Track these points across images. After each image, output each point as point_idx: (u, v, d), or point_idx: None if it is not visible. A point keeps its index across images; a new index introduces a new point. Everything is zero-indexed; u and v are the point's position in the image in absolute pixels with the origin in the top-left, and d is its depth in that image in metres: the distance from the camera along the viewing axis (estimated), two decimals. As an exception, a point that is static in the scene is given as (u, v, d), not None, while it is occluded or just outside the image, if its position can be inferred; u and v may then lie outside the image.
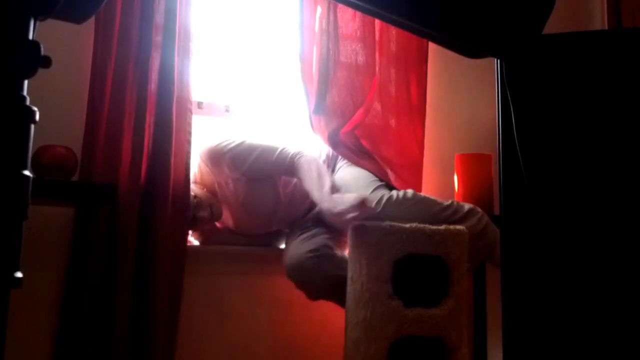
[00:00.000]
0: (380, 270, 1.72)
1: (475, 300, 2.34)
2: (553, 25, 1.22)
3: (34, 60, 0.65)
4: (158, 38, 1.98)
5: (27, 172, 0.64)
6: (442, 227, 1.78)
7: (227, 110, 2.35)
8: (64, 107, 1.97)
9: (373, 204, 1.87)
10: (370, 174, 2.14)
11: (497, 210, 1.97)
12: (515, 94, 1.34)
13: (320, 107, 2.23)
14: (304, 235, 2.03)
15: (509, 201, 1.39)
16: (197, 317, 2.08)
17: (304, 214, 2.17)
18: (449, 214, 2.02)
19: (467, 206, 2.07)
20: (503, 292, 1.40)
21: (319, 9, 2.28)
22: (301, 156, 1.98)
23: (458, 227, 1.82)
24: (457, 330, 1.76)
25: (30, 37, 0.66)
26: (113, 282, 1.83)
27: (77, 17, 0.75)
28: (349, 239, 1.86)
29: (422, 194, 2.10)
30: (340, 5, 2.29)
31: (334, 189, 1.88)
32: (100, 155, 1.91)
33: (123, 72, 1.93)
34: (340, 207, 1.79)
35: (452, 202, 2.08)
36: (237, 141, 2.00)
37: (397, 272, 1.73)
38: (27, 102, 0.65)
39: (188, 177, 2.01)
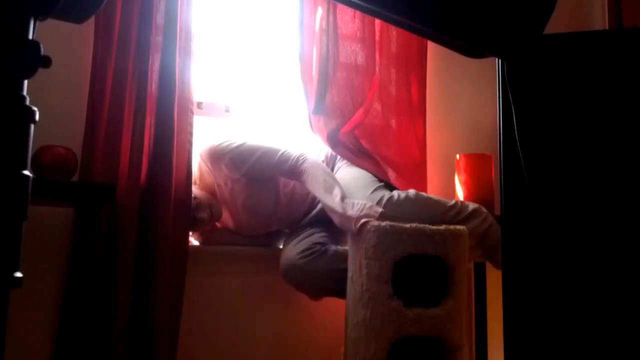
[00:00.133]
0: (380, 270, 1.72)
1: (476, 300, 2.33)
2: (554, 25, 1.22)
3: (34, 60, 0.65)
4: (158, 38, 1.98)
5: (27, 172, 0.64)
6: (442, 227, 1.78)
7: (227, 111, 2.35)
8: (64, 107, 1.96)
9: (376, 208, 1.87)
10: (370, 174, 2.14)
11: (498, 211, 1.97)
12: (516, 94, 1.34)
13: (320, 107, 2.23)
14: (298, 238, 2.04)
15: (509, 201, 1.39)
16: (198, 317, 2.08)
17: (304, 214, 2.17)
18: (453, 214, 2.02)
19: (471, 206, 2.07)
20: (504, 292, 1.40)
21: (319, 9, 2.28)
22: (305, 160, 1.98)
23: (458, 227, 1.82)
24: (457, 330, 1.76)
25: (30, 37, 0.66)
26: (113, 282, 1.83)
27: (77, 17, 0.75)
28: (349, 240, 1.86)
29: (425, 194, 2.10)
30: (340, 6, 2.29)
31: (344, 194, 1.88)
32: (100, 156, 1.90)
33: (123, 72, 1.93)
34: (351, 214, 1.79)
35: (456, 203, 2.08)
36: (238, 142, 2.00)
37: (397, 272, 1.73)
38: (27, 102, 0.65)
39: (190, 178, 2.01)
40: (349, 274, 1.81)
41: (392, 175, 2.30)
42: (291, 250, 1.98)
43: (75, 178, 1.86)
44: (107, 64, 1.93)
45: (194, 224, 2.02)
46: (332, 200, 1.85)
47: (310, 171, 1.94)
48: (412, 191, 2.06)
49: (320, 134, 2.21)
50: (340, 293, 1.95)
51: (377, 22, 2.38)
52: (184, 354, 1.99)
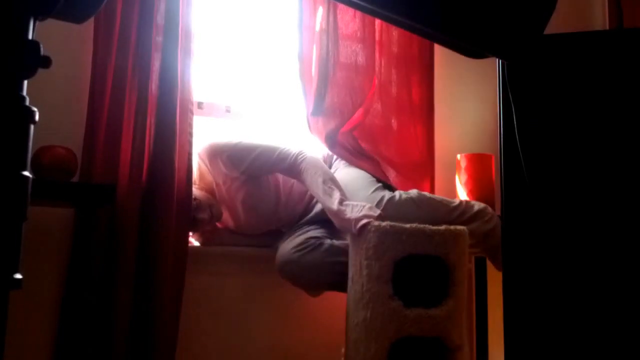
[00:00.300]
0: (380, 270, 1.72)
1: (476, 300, 2.33)
2: (554, 26, 1.21)
3: (33, 60, 0.65)
4: (158, 38, 1.98)
5: (26, 173, 0.64)
6: (442, 227, 1.78)
7: (227, 111, 2.35)
8: (64, 107, 1.96)
9: (375, 210, 1.87)
10: (369, 175, 2.14)
11: (498, 210, 1.97)
12: (516, 94, 1.34)
13: (319, 107, 2.23)
14: (294, 235, 2.04)
15: (510, 201, 1.39)
16: (198, 318, 2.07)
17: (303, 213, 2.17)
18: (456, 215, 2.01)
19: (477, 207, 2.06)
20: (504, 291, 1.40)
21: (320, 9, 2.28)
22: (303, 159, 1.97)
23: (459, 227, 1.82)
24: (457, 331, 1.76)
25: (30, 37, 0.66)
26: (113, 282, 1.83)
27: (77, 17, 0.75)
28: (349, 240, 1.86)
29: (428, 194, 2.09)
30: (340, 6, 2.28)
31: (343, 195, 1.88)
32: (100, 156, 1.90)
33: (123, 72, 1.93)
34: (351, 216, 1.79)
35: (460, 203, 2.08)
36: (236, 140, 2.00)
37: (397, 273, 1.72)
38: (27, 102, 0.65)
39: (190, 178, 2.01)
40: (350, 275, 1.81)
41: (392, 176, 2.30)
42: (286, 246, 1.98)
43: (75, 178, 1.86)
44: (107, 64, 1.93)
45: (194, 225, 2.02)
46: (332, 203, 1.84)
47: (309, 172, 1.94)
48: (414, 191, 2.05)
49: (319, 134, 2.21)
50: (339, 286, 1.95)
51: (378, 22, 2.38)
52: (184, 354, 1.99)
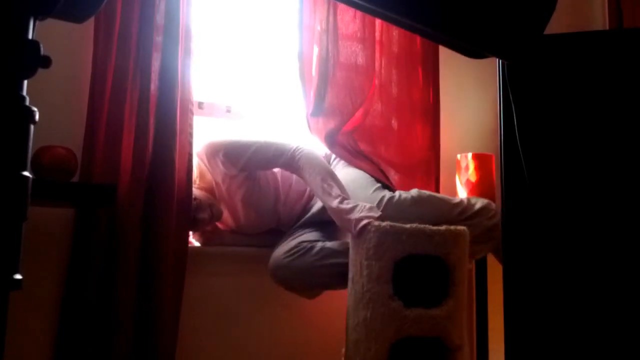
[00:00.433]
0: (380, 271, 1.72)
1: (477, 300, 2.33)
2: (554, 26, 1.21)
3: (33, 60, 0.65)
4: (158, 38, 1.98)
5: (26, 173, 0.64)
6: (443, 227, 1.78)
7: (228, 111, 2.35)
8: (64, 107, 1.96)
9: (376, 210, 1.86)
10: (368, 175, 2.14)
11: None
12: (517, 94, 1.34)
13: (319, 107, 2.23)
14: (288, 239, 2.03)
15: (510, 201, 1.38)
16: (197, 317, 2.07)
17: (302, 211, 2.16)
18: (458, 212, 2.02)
19: (480, 203, 2.06)
20: (505, 291, 1.40)
21: (320, 9, 2.28)
22: (301, 155, 1.95)
23: (459, 227, 1.82)
24: (457, 331, 1.76)
25: (30, 36, 0.66)
26: (114, 282, 1.83)
27: (78, 17, 0.75)
28: (350, 240, 1.86)
29: (428, 192, 2.08)
30: (340, 6, 2.28)
31: (343, 192, 1.87)
32: (100, 156, 1.90)
33: (123, 72, 1.93)
34: (351, 216, 1.79)
35: (462, 200, 2.08)
36: (233, 138, 2.00)
37: (397, 273, 1.72)
38: (27, 102, 0.65)
39: (190, 178, 2.01)
40: (350, 275, 1.81)
41: (394, 177, 2.30)
42: (278, 251, 1.98)
43: (75, 178, 1.86)
44: (107, 64, 1.93)
45: (194, 225, 2.02)
46: (332, 202, 1.84)
47: (308, 169, 1.93)
48: (414, 190, 2.05)
49: (319, 134, 2.21)
50: (332, 286, 1.95)
51: (378, 22, 2.38)
52: (184, 354, 1.99)
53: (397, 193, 2.03)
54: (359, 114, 2.29)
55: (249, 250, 2.19)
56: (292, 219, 2.16)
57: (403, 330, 1.69)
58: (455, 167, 2.41)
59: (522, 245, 1.38)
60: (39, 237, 1.86)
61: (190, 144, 2.01)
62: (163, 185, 1.92)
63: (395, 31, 2.41)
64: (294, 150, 1.96)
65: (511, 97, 1.33)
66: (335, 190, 1.86)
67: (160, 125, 1.95)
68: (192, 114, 2.03)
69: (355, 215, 1.78)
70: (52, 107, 1.90)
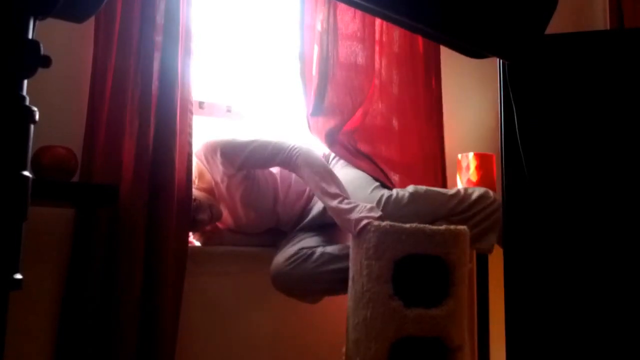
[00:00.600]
0: (380, 270, 1.72)
1: (478, 299, 2.33)
2: (555, 26, 1.21)
3: (33, 59, 0.65)
4: (158, 38, 1.97)
5: (26, 173, 0.64)
6: (443, 227, 1.78)
7: (228, 111, 2.35)
8: (64, 107, 1.96)
9: (376, 211, 1.86)
10: (367, 175, 2.14)
11: (498, 211, 1.96)
12: (517, 93, 1.33)
13: (319, 107, 2.23)
14: (289, 244, 2.03)
15: (511, 200, 1.38)
16: (197, 317, 2.07)
17: (302, 211, 2.16)
18: (455, 203, 2.02)
19: (477, 192, 2.06)
20: (506, 291, 1.40)
21: (320, 9, 2.28)
22: (299, 154, 1.93)
23: (459, 227, 1.82)
24: (457, 331, 1.76)
25: (30, 36, 0.66)
26: (115, 282, 1.83)
27: (78, 17, 0.75)
28: (350, 240, 1.86)
29: (424, 187, 2.08)
30: (341, 6, 2.28)
31: (342, 190, 1.87)
32: (100, 156, 1.90)
33: (123, 72, 1.93)
34: (351, 216, 1.79)
35: (458, 191, 2.08)
36: (231, 137, 2.00)
37: (397, 273, 1.72)
38: (27, 102, 0.65)
39: (190, 178, 2.00)
40: (350, 274, 1.81)
41: (394, 177, 2.29)
42: (279, 257, 1.98)
43: (75, 178, 1.86)
44: (107, 64, 1.93)
45: (194, 225, 2.02)
46: (331, 201, 1.84)
47: (306, 169, 1.91)
48: (410, 187, 2.06)
49: (318, 134, 2.21)
50: (333, 292, 1.95)
51: (378, 22, 2.38)
52: (184, 353, 1.99)
53: (394, 191, 2.03)
54: (359, 113, 2.29)
55: (249, 249, 2.19)
56: (291, 218, 2.16)
57: (403, 329, 1.69)
58: (457, 166, 2.41)
59: (523, 245, 1.38)
60: (39, 237, 1.86)
61: (190, 144, 2.01)
62: (164, 185, 1.92)
63: (396, 31, 2.41)
64: (291, 149, 1.95)
65: (512, 97, 1.33)
66: (334, 189, 1.86)
67: (160, 125, 1.95)
68: (192, 113, 2.03)
69: (355, 215, 1.78)
70: (52, 107, 1.90)
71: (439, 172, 2.39)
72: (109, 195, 1.82)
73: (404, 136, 2.37)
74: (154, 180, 1.92)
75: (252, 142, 1.98)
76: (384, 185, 2.12)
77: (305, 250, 1.95)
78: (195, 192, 2.02)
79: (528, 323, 1.37)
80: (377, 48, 2.38)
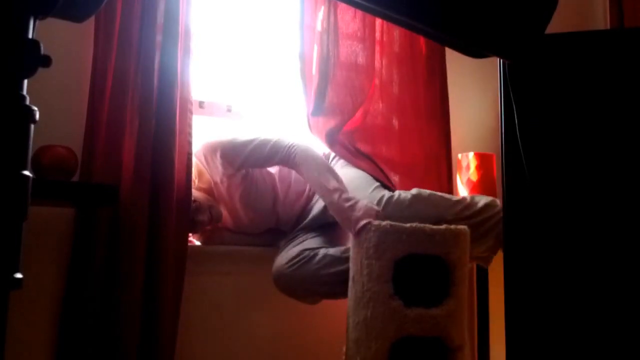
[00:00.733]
0: (380, 270, 1.72)
1: (478, 299, 2.33)
2: (555, 25, 1.21)
3: (33, 59, 0.65)
4: (158, 37, 1.97)
5: (27, 172, 0.64)
6: (443, 226, 1.78)
7: (229, 110, 2.35)
8: (64, 107, 1.96)
9: (375, 208, 1.86)
10: (367, 175, 2.14)
11: (498, 210, 1.96)
12: (518, 93, 1.33)
13: (319, 107, 2.23)
14: (290, 245, 2.03)
15: (511, 200, 1.38)
16: (197, 317, 2.07)
17: (301, 211, 2.16)
18: (460, 209, 1.99)
19: (484, 201, 2.03)
20: (506, 290, 1.40)
21: (321, 8, 2.28)
22: (296, 152, 1.93)
23: (459, 226, 1.82)
24: (458, 330, 1.76)
25: (30, 36, 0.65)
26: (116, 282, 1.83)
27: (78, 16, 0.75)
28: (350, 240, 1.86)
29: (429, 191, 2.08)
30: (341, 5, 2.28)
31: (341, 185, 1.87)
32: (100, 156, 1.90)
33: (123, 72, 1.93)
34: (351, 215, 1.78)
35: (464, 198, 2.06)
36: (230, 137, 2.00)
37: (397, 272, 1.72)
38: (27, 102, 0.65)
39: (190, 178, 2.00)
40: (350, 274, 1.81)
41: (394, 177, 2.29)
42: (281, 258, 1.98)
43: (75, 178, 1.86)
44: (107, 64, 1.93)
45: (193, 227, 2.02)
46: (330, 197, 1.84)
47: (304, 166, 1.91)
48: (414, 190, 2.05)
49: (319, 134, 2.21)
50: (333, 295, 1.95)
51: (378, 22, 2.38)
52: (184, 353, 1.99)
53: (396, 193, 2.03)
54: (359, 113, 2.29)
55: (249, 249, 2.19)
56: (291, 218, 2.16)
57: (403, 329, 1.69)
58: (457, 166, 2.40)
59: (523, 244, 1.38)
60: (40, 236, 1.86)
61: (190, 144, 2.01)
62: (164, 185, 1.92)
63: (396, 31, 2.41)
64: (290, 146, 1.95)
65: (512, 97, 1.33)
66: (333, 184, 1.85)
67: (160, 124, 1.95)
68: (192, 113, 2.03)
69: (355, 214, 1.78)
70: (52, 107, 1.90)
71: (442, 172, 2.37)
72: (109, 195, 1.82)
73: (404, 136, 2.37)
74: (154, 180, 1.92)
75: (252, 141, 1.98)
76: (384, 186, 2.11)
77: (307, 252, 1.95)
78: (195, 193, 2.02)
79: (528, 323, 1.37)
80: (377, 47, 2.38)
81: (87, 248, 1.84)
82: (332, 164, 2.23)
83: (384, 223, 1.75)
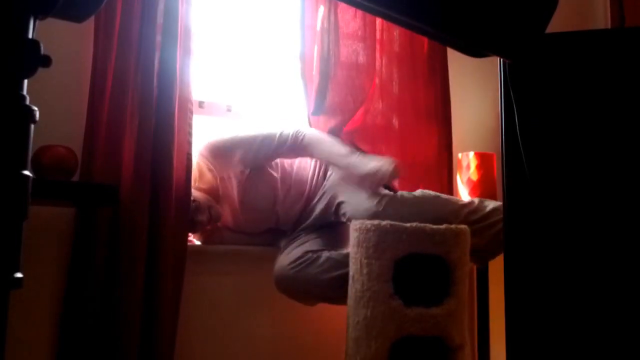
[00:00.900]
0: (381, 269, 1.72)
1: (478, 299, 2.33)
2: (556, 25, 1.21)
3: (33, 59, 0.65)
4: (157, 37, 1.97)
5: (27, 172, 0.64)
6: (443, 226, 1.78)
7: (229, 110, 2.35)
8: (64, 107, 1.96)
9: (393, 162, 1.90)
10: None
11: (499, 210, 1.96)
12: (518, 93, 1.33)
13: (320, 106, 2.23)
14: (292, 246, 2.03)
15: (511, 200, 1.38)
16: (197, 316, 2.07)
17: (302, 211, 2.16)
18: (466, 212, 1.98)
19: (492, 205, 2.02)
20: (506, 290, 1.40)
21: (321, 8, 2.28)
22: (303, 135, 2.02)
23: (460, 226, 1.82)
24: (458, 330, 1.75)
25: (30, 36, 0.65)
26: (114, 282, 1.83)
27: (78, 16, 0.75)
28: (350, 240, 1.86)
29: (434, 192, 2.07)
30: (341, 5, 2.28)
31: (355, 149, 1.91)
32: (100, 156, 1.90)
33: (123, 72, 1.93)
34: (369, 166, 1.82)
35: (472, 201, 2.05)
36: (232, 135, 2.02)
37: (397, 272, 1.72)
38: (27, 102, 0.65)
39: (189, 178, 2.00)
40: (350, 273, 1.81)
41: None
42: (283, 259, 1.98)
43: (75, 178, 1.86)
44: (107, 63, 1.93)
45: (193, 227, 2.02)
46: (346, 160, 1.88)
47: (314, 142, 1.99)
48: (418, 191, 2.05)
49: (319, 133, 2.21)
50: (332, 299, 1.95)
51: (379, 21, 2.38)
52: (184, 353, 1.99)
53: (398, 193, 2.03)
54: (359, 113, 2.29)
55: (249, 249, 2.19)
56: (291, 218, 2.16)
57: (403, 329, 1.69)
58: (457, 166, 2.40)
59: (524, 244, 1.37)
60: (40, 236, 1.86)
61: (190, 144, 2.01)
62: (164, 185, 1.92)
63: (396, 30, 2.41)
64: (296, 131, 2.03)
65: (512, 96, 1.33)
66: (345, 149, 1.93)
67: (159, 124, 1.95)
68: (192, 113, 2.03)
69: (372, 170, 1.87)
70: (52, 107, 1.90)
71: (442, 172, 2.37)
72: (109, 195, 1.82)
73: (405, 136, 2.37)
74: (154, 179, 1.92)
75: (257, 136, 2.02)
76: (384, 186, 2.11)
77: (310, 254, 1.95)
78: (195, 193, 2.02)
79: (528, 323, 1.37)
80: (377, 47, 2.38)
81: (87, 248, 1.84)
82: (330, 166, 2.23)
83: (384, 223, 1.75)
